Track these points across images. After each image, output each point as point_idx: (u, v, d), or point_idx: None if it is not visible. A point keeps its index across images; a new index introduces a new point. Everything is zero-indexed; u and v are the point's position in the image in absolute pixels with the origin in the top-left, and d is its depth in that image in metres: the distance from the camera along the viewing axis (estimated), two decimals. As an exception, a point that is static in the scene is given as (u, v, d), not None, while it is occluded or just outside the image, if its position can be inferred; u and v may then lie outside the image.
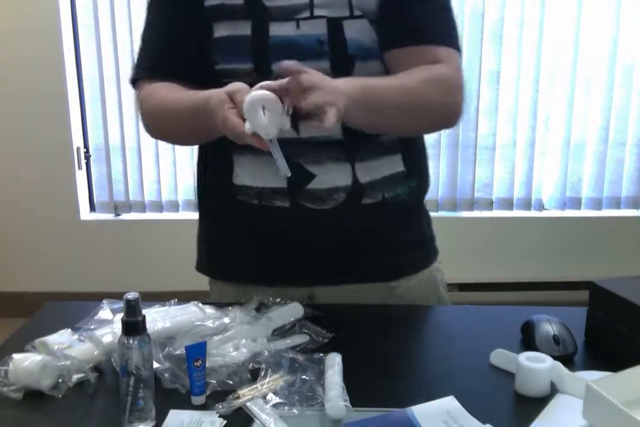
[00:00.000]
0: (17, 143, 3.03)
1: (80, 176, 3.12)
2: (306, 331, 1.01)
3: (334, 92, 0.87)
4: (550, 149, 3.05)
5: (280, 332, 1.01)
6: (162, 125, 1.12)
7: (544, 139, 3.03)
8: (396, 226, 1.17)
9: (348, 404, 0.81)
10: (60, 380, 0.88)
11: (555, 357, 0.88)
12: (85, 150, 3.12)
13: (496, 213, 3.09)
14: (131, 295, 0.77)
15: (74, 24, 2.99)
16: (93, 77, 3.02)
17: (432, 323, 1.08)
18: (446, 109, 1.07)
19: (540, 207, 3.12)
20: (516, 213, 3.09)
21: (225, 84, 1.00)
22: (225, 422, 0.80)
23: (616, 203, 3.13)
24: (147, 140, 3.07)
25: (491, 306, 1.20)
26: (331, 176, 1.08)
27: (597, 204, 3.12)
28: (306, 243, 1.12)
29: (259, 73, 1.03)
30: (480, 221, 3.09)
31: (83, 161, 3.11)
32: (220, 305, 1.06)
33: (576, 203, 3.13)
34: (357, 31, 1.04)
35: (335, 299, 1.14)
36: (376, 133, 1.09)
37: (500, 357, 0.93)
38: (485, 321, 1.12)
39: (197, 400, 0.84)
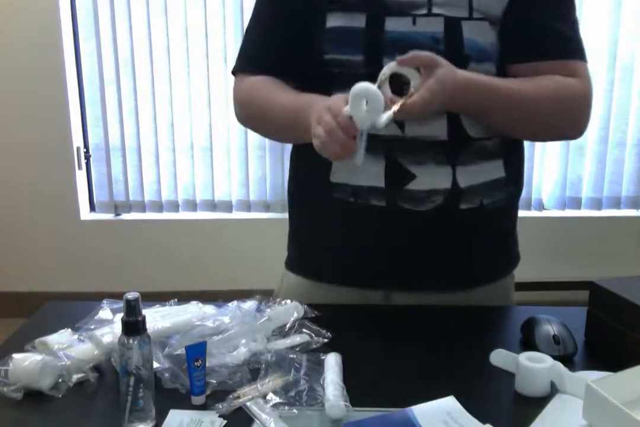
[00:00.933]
0: (17, 143, 3.03)
1: (80, 176, 3.12)
2: (306, 331, 1.01)
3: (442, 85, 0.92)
4: (550, 149, 3.06)
5: (280, 332, 1.01)
6: (258, 121, 1.16)
7: (544, 139, 3.03)
8: (489, 231, 1.15)
9: (348, 404, 0.81)
10: (60, 380, 0.88)
11: (555, 357, 0.88)
12: (85, 150, 3.12)
13: (496, 213, 3.09)
14: (131, 295, 0.77)
15: (74, 24, 2.99)
16: (93, 77, 3.02)
17: (432, 323, 1.07)
18: (569, 125, 1.09)
19: (540, 207, 3.12)
20: (516, 213, 3.09)
21: (335, 74, 1.05)
22: (225, 422, 0.80)
23: (616, 203, 3.13)
24: (147, 140, 3.07)
25: (491, 305, 1.20)
26: (431, 178, 1.06)
27: (597, 204, 3.12)
28: (397, 245, 1.11)
29: (369, 66, 1.03)
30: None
31: (83, 161, 3.12)
32: (220, 305, 1.06)
33: (576, 203, 3.13)
34: (475, 32, 1.03)
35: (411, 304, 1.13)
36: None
37: (500, 357, 0.93)
38: (485, 321, 1.12)
39: (197, 400, 0.84)
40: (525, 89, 1.02)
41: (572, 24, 1.08)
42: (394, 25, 1.03)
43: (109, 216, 3.18)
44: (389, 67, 0.93)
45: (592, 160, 3.07)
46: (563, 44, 1.07)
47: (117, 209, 3.18)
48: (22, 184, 3.08)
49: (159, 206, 3.15)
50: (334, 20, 1.06)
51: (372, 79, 0.99)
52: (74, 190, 3.09)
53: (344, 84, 1.01)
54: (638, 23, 2.92)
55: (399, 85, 0.93)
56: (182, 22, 2.94)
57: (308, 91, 1.07)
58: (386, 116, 0.89)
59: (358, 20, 1.04)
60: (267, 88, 1.11)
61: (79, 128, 3.09)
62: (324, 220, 1.16)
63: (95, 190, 3.17)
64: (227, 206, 3.15)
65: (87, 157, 3.13)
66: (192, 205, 3.15)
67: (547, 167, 3.08)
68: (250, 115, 1.16)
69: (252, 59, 1.16)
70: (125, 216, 3.18)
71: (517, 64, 1.07)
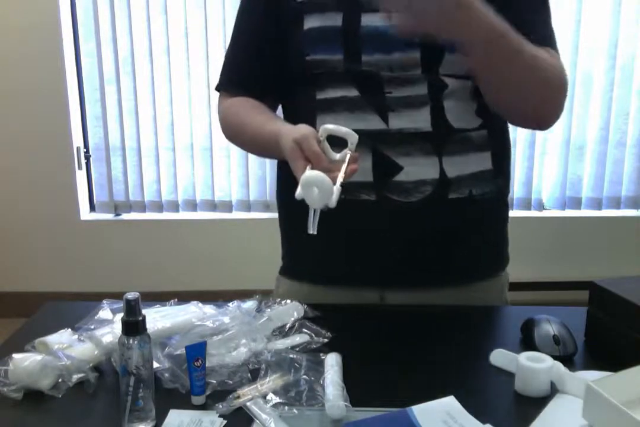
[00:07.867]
0: (17, 143, 3.04)
1: (80, 176, 3.12)
2: (306, 331, 1.01)
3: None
4: (550, 149, 3.06)
5: (280, 332, 1.01)
6: (239, 140, 1.19)
7: (543, 139, 3.03)
8: (480, 224, 1.15)
9: (348, 404, 0.81)
10: (60, 380, 0.88)
11: (555, 357, 0.88)
12: (85, 150, 3.13)
13: (496, 213, 3.09)
14: (131, 295, 0.77)
15: (74, 24, 2.99)
16: (93, 77, 3.02)
17: (432, 323, 1.07)
18: (553, 98, 1.05)
19: (540, 207, 3.12)
20: (516, 213, 3.08)
21: (317, 75, 1.07)
22: (225, 422, 0.80)
23: (616, 203, 3.13)
24: (147, 140, 3.07)
25: (491, 305, 1.20)
26: (418, 169, 1.06)
27: (597, 204, 3.13)
28: (389, 240, 1.11)
29: (349, 64, 1.05)
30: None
31: (83, 161, 3.12)
32: (220, 305, 1.06)
33: (576, 203, 3.13)
34: None
35: (405, 301, 1.13)
36: (485, 86, 1.04)
37: (500, 357, 0.93)
38: (485, 321, 1.12)
39: (197, 400, 0.84)
40: (527, 44, 0.98)
41: (546, 15, 1.08)
42: (369, 20, 1.05)
43: (109, 216, 3.18)
44: (324, 129, 0.92)
45: (592, 160, 3.07)
46: (536, 34, 1.03)
47: (117, 209, 3.18)
48: (22, 184, 3.09)
49: (159, 206, 3.15)
50: (311, 22, 1.07)
51: (352, 77, 1.01)
52: (74, 190, 3.09)
53: (327, 84, 1.04)
54: (637, 24, 2.92)
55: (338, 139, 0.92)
56: (182, 22, 2.94)
57: (293, 93, 1.10)
58: (335, 195, 0.88)
59: (334, 19, 1.06)
60: (240, 113, 1.14)
61: (79, 128, 3.09)
62: None
63: (95, 190, 3.18)
64: (227, 206, 3.15)
65: (87, 157, 3.13)
66: (192, 206, 3.16)
67: (547, 167, 3.09)
68: (230, 135, 1.20)
69: (233, 78, 1.19)
70: (125, 216, 3.18)
71: None
